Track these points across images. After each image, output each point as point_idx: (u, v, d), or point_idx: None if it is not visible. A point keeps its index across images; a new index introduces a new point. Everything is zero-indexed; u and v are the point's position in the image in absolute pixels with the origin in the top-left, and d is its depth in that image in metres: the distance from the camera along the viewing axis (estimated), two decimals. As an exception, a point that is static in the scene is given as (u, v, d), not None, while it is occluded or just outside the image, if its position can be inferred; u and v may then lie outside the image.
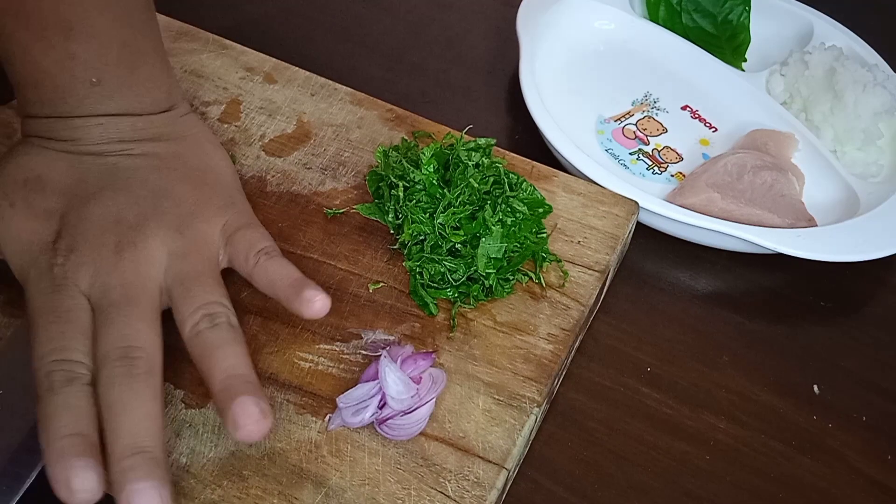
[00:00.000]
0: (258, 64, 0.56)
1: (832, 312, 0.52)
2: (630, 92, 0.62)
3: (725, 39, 0.64)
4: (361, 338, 0.43)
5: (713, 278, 0.53)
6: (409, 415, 0.39)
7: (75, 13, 0.40)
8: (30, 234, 0.39)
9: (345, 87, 0.55)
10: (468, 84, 0.64)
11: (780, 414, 0.46)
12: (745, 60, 0.64)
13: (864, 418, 0.47)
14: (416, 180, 0.46)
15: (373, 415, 0.39)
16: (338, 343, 0.43)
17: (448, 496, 0.37)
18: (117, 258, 0.38)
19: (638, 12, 0.66)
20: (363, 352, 0.42)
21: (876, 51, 0.63)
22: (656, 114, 0.61)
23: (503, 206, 0.45)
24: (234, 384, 0.36)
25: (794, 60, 0.60)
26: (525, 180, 0.47)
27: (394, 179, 0.46)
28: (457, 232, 0.44)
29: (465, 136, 0.49)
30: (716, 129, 0.60)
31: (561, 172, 0.51)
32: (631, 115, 0.61)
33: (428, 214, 0.45)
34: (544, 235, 0.47)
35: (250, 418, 0.35)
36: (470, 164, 0.46)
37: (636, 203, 0.50)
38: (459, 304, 0.44)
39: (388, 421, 0.39)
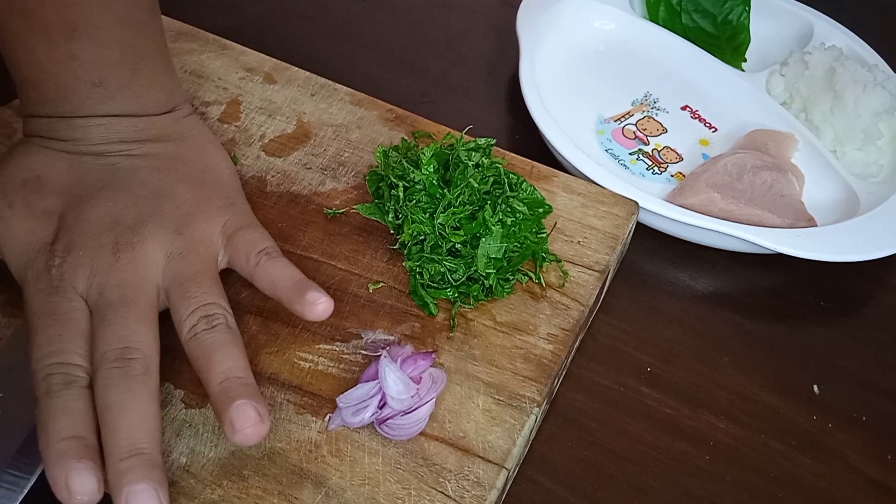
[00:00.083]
0: (258, 64, 0.56)
1: (832, 312, 0.52)
2: (630, 92, 0.62)
3: (725, 39, 0.64)
4: (361, 338, 0.43)
5: (713, 278, 0.53)
6: (409, 415, 0.39)
7: (79, 14, 0.40)
8: (28, 235, 0.39)
9: (345, 87, 0.55)
10: (468, 84, 0.64)
11: (780, 414, 0.46)
12: (745, 60, 0.64)
13: (864, 418, 0.47)
14: (416, 180, 0.46)
15: (373, 415, 0.39)
16: (338, 343, 0.43)
17: (448, 496, 0.37)
18: (114, 259, 0.38)
19: (638, 12, 0.66)
20: (363, 352, 0.42)
21: (876, 51, 0.63)
22: (656, 114, 0.61)
23: (503, 206, 0.45)
24: (231, 387, 0.36)
25: (794, 60, 0.60)
26: (525, 180, 0.47)
27: (394, 179, 0.46)
28: (457, 232, 0.44)
29: (465, 136, 0.49)
30: (716, 129, 0.60)
31: (561, 172, 0.51)
32: (631, 115, 0.61)
33: (428, 214, 0.45)
34: (544, 235, 0.47)
35: (248, 422, 0.35)
36: (470, 164, 0.46)
37: (636, 203, 0.50)
38: (459, 304, 0.44)
39: (388, 421, 0.39)
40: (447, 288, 0.44)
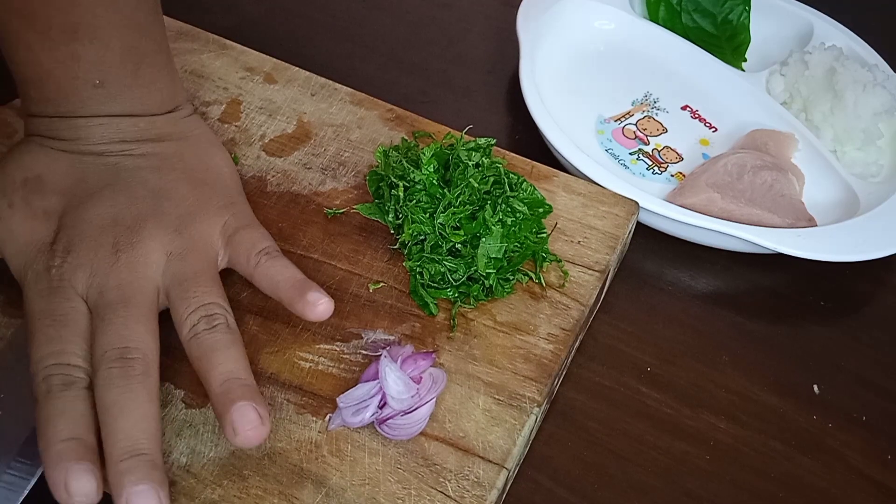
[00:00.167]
0: (258, 64, 0.56)
1: (832, 312, 0.52)
2: (630, 92, 0.62)
3: (725, 39, 0.64)
4: (362, 338, 0.43)
5: (713, 278, 0.53)
6: (409, 415, 0.39)
7: (81, 15, 0.40)
8: (28, 235, 0.39)
9: (345, 87, 0.55)
10: (468, 84, 0.64)
11: (780, 414, 0.46)
12: (745, 60, 0.64)
13: (864, 418, 0.47)
14: (417, 180, 0.46)
15: (373, 415, 0.39)
16: (338, 343, 0.43)
17: (448, 496, 0.37)
18: (114, 259, 0.38)
19: (638, 12, 0.66)
20: (363, 352, 0.42)
21: (876, 51, 0.63)
22: (656, 114, 0.61)
23: (503, 206, 0.45)
24: (232, 389, 0.36)
25: (794, 60, 0.60)
26: (525, 180, 0.47)
27: (394, 179, 0.46)
28: (457, 232, 0.44)
29: (465, 135, 0.49)
30: (716, 129, 0.60)
31: (561, 172, 0.51)
32: (631, 115, 0.61)
33: (428, 214, 0.45)
34: (544, 235, 0.47)
35: (249, 424, 0.35)
36: (470, 163, 0.46)
37: (636, 203, 0.50)
38: (459, 303, 0.44)
39: (389, 421, 0.39)
40: (447, 288, 0.44)
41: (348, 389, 0.40)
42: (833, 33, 0.63)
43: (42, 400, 0.35)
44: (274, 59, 0.56)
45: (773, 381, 0.48)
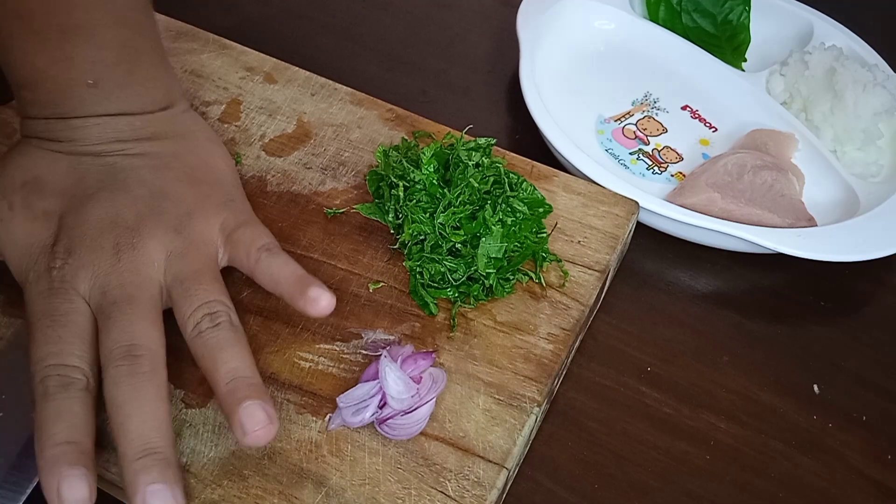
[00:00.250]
0: (258, 64, 0.56)
1: (832, 312, 0.52)
2: (630, 92, 0.62)
3: (725, 39, 0.64)
4: (362, 337, 0.43)
5: (713, 278, 0.53)
6: (409, 414, 0.39)
7: (74, 15, 0.40)
8: (28, 237, 0.39)
9: (345, 87, 0.55)
10: (468, 84, 0.64)
11: (780, 414, 0.46)
12: (745, 60, 0.64)
13: (864, 418, 0.47)
14: (417, 180, 0.46)
15: (373, 414, 0.39)
16: (338, 343, 0.43)
17: (448, 496, 0.37)
18: (115, 260, 0.38)
19: (638, 12, 0.66)
20: (363, 351, 0.42)
21: (876, 51, 0.63)
22: (656, 114, 0.61)
23: (503, 205, 0.45)
24: (238, 388, 0.36)
25: (794, 60, 0.60)
26: (525, 180, 0.47)
27: (394, 179, 0.46)
28: (457, 232, 0.44)
29: (465, 135, 0.49)
30: (716, 129, 0.60)
31: (561, 172, 0.51)
32: (631, 115, 0.61)
33: (428, 214, 0.45)
34: (544, 235, 0.47)
35: (258, 424, 0.35)
36: (470, 163, 0.46)
37: (636, 203, 0.50)
38: (459, 303, 0.44)
39: (389, 420, 0.39)
40: (447, 288, 0.44)
41: (348, 389, 0.40)
42: (833, 33, 0.63)
43: (39, 401, 0.35)
44: (274, 59, 0.56)
45: (773, 381, 0.48)
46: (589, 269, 0.47)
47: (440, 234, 0.44)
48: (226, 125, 0.52)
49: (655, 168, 0.57)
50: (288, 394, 0.41)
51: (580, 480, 0.43)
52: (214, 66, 0.55)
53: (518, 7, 0.62)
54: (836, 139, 0.58)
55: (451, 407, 0.40)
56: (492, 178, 0.46)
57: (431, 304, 0.44)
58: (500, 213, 0.45)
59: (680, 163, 0.58)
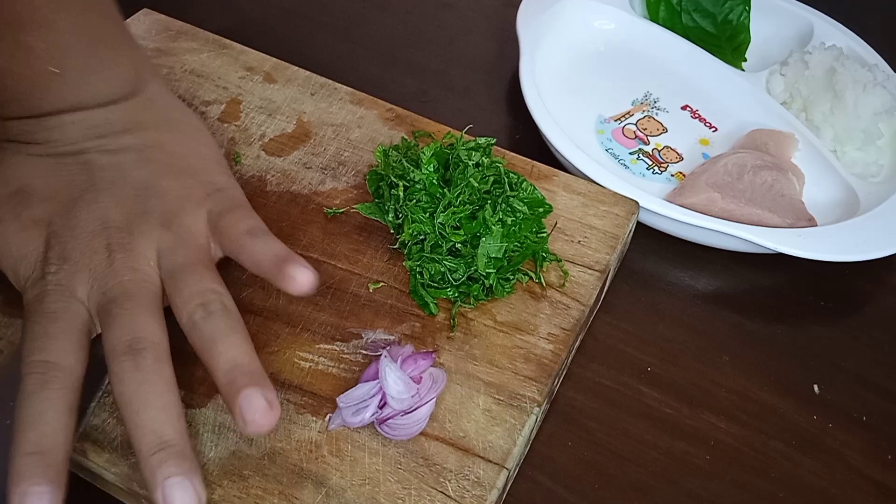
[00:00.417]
0: (258, 63, 0.56)
1: (832, 312, 0.52)
2: (630, 92, 0.62)
3: (725, 39, 0.64)
4: (361, 337, 0.43)
5: (713, 278, 0.53)
6: (409, 414, 0.39)
7: (25, 4, 0.39)
8: (21, 247, 0.39)
9: (345, 87, 0.55)
10: (468, 84, 0.64)
11: (780, 414, 0.46)
12: (745, 60, 0.64)
13: (864, 418, 0.47)
14: (416, 180, 0.46)
15: (373, 414, 0.39)
16: (338, 343, 0.43)
17: (448, 496, 0.37)
18: (110, 261, 0.38)
19: (638, 12, 0.66)
20: (363, 351, 0.42)
21: (876, 51, 0.63)
22: (656, 113, 0.61)
23: (503, 205, 0.45)
24: (237, 378, 0.35)
25: (794, 60, 0.60)
26: (525, 180, 0.47)
27: (394, 179, 0.46)
28: (457, 231, 0.44)
29: (465, 135, 0.49)
30: (716, 129, 0.60)
31: (561, 172, 0.51)
32: (631, 115, 0.61)
33: (428, 214, 0.45)
34: (544, 235, 0.47)
35: (258, 412, 0.34)
36: (470, 163, 0.46)
37: (636, 203, 0.50)
38: (460, 303, 0.44)
39: (389, 421, 0.39)
40: (447, 287, 0.44)
41: (348, 389, 0.40)
42: (833, 33, 0.63)
43: (17, 402, 0.34)
44: (274, 59, 0.56)
45: (773, 381, 0.48)
46: (589, 268, 0.47)
47: (440, 233, 0.44)
48: (225, 125, 0.52)
49: (655, 168, 0.57)
50: (288, 394, 0.40)
51: (580, 480, 0.43)
52: (214, 65, 0.55)
53: (518, 7, 0.62)
54: (836, 139, 0.58)
55: (451, 407, 0.40)
56: (492, 178, 0.46)
57: (431, 304, 0.44)
58: (500, 213, 0.45)
59: (680, 163, 0.58)
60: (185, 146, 0.44)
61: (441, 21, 0.69)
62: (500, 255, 0.44)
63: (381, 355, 0.40)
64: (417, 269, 0.44)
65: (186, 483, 0.33)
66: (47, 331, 0.36)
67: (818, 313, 0.52)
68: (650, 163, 0.58)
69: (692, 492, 0.43)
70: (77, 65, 0.41)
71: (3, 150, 0.42)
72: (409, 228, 0.44)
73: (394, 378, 0.39)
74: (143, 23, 0.58)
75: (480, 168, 0.46)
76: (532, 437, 0.42)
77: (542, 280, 0.46)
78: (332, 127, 0.52)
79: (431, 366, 0.41)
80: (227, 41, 0.57)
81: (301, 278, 0.37)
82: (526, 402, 0.41)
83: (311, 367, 0.42)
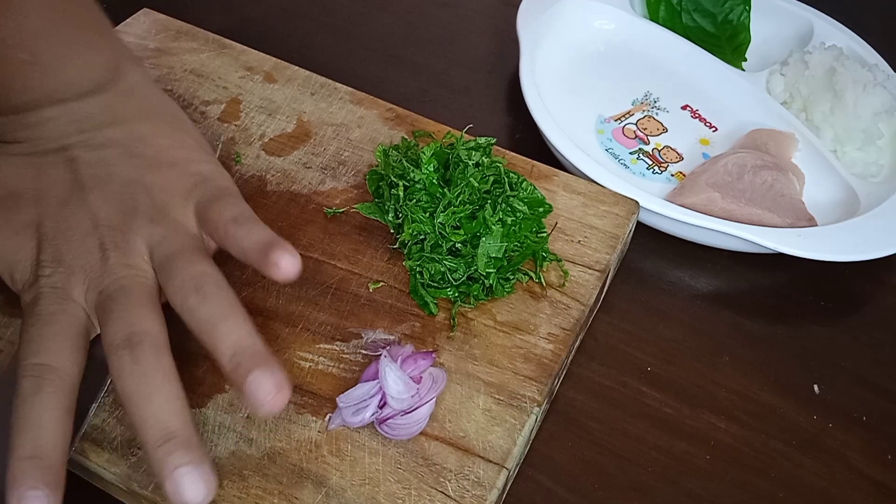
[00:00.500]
0: (258, 63, 0.56)
1: (832, 312, 0.52)
2: (630, 91, 0.62)
3: (725, 39, 0.64)
4: (361, 337, 0.43)
5: (713, 278, 0.53)
6: (409, 414, 0.39)
7: None
8: (15, 252, 0.38)
9: (345, 87, 0.55)
10: (468, 84, 0.64)
11: (781, 414, 0.46)
12: (746, 60, 0.64)
13: (864, 418, 0.47)
14: (416, 179, 0.46)
15: (373, 414, 0.39)
16: (338, 342, 0.42)
17: (448, 496, 0.37)
18: (104, 260, 0.38)
19: (638, 12, 0.66)
20: (363, 351, 0.42)
21: (876, 51, 0.63)
22: (656, 113, 0.61)
23: (503, 205, 0.45)
24: (242, 361, 0.34)
25: (794, 60, 0.60)
26: (525, 179, 0.47)
27: (394, 179, 0.46)
28: (457, 231, 0.44)
29: (465, 135, 0.49)
30: (716, 129, 0.60)
31: (561, 172, 0.51)
32: (631, 115, 0.61)
33: (428, 214, 0.45)
34: (544, 235, 0.47)
35: (268, 395, 0.34)
36: (470, 163, 0.46)
37: (636, 202, 0.50)
38: (459, 303, 0.44)
39: (389, 420, 0.39)
40: (447, 287, 0.44)
41: (348, 389, 0.40)
42: (833, 33, 0.63)
43: (14, 406, 0.34)
44: (274, 59, 0.56)
45: (773, 381, 0.48)
46: (589, 268, 0.46)
47: (440, 233, 0.44)
48: (225, 124, 0.52)
49: (655, 168, 0.57)
50: (288, 393, 0.40)
51: (580, 480, 0.43)
52: (214, 65, 0.55)
53: (518, 7, 0.62)
54: (836, 139, 0.58)
55: (451, 407, 0.40)
56: (492, 178, 0.46)
57: (431, 304, 0.44)
58: (500, 213, 0.45)
59: (680, 162, 0.58)
60: (169, 137, 0.43)
61: (441, 21, 0.69)
62: (500, 255, 0.44)
63: (381, 355, 0.40)
64: (417, 269, 0.44)
65: (195, 472, 0.33)
66: (42, 333, 0.36)
67: (818, 313, 0.52)
68: (650, 163, 0.58)
69: (692, 492, 0.43)
70: (51, 51, 0.40)
71: None
72: (409, 228, 0.44)
73: (394, 378, 0.39)
74: (143, 23, 0.58)
75: (480, 168, 0.46)
76: (532, 437, 0.42)
77: (542, 280, 0.46)
78: (332, 127, 0.52)
79: (431, 366, 0.41)
80: (227, 41, 0.57)
81: (285, 265, 0.36)
82: (526, 402, 0.41)
83: (311, 366, 0.42)
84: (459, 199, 0.45)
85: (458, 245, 0.44)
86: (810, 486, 0.44)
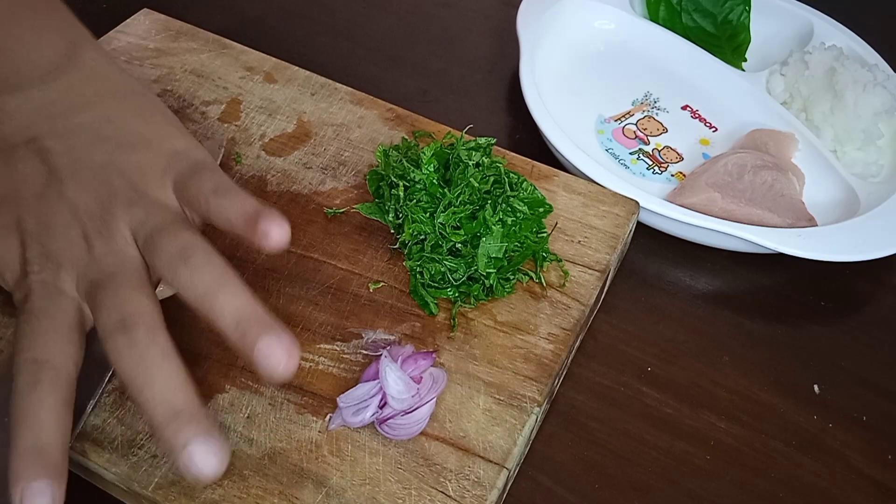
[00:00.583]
0: (258, 63, 0.56)
1: (832, 312, 0.52)
2: (630, 92, 0.62)
3: (725, 39, 0.64)
4: (362, 337, 0.43)
5: (713, 278, 0.53)
6: (409, 414, 0.39)
7: None
8: (1, 256, 0.38)
9: (345, 87, 0.55)
10: (468, 84, 0.64)
11: (780, 414, 0.46)
12: (746, 60, 0.64)
13: (864, 418, 0.47)
14: (417, 180, 0.46)
15: (373, 414, 0.39)
16: (338, 343, 0.43)
17: (449, 496, 0.37)
18: (89, 250, 0.37)
19: (638, 12, 0.66)
20: (364, 351, 0.42)
21: (876, 51, 0.63)
22: (656, 114, 0.61)
23: (503, 205, 0.45)
24: (248, 330, 0.34)
25: (794, 60, 0.60)
26: (525, 180, 0.47)
27: (394, 179, 0.46)
28: (457, 231, 0.44)
29: (466, 135, 0.49)
30: (716, 129, 0.60)
31: (561, 172, 0.51)
32: (631, 115, 0.61)
33: (428, 214, 0.45)
34: (545, 235, 0.47)
35: (280, 362, 0.33)
36: (470, 163, 0.46)
37: (636, 203, 0.50)
38: (460, 303, 0.44)
39: (389, 420, 0.39)
40: (447, 287, 0.44)
41: (348, 389, 0.40)
42: (833, 33, 0.63)
43: (12, 402, 0.34)
44: (274, 59, 0.56)
45: (773, 381, 0.48)
46: (589, 268, 0.47)
47: (440, 233, 0.44)
48: (226, 125, 0.52)
49: (655, 168, 0.57)
50: (288, 394, 0.40)
51: (580, 480, 0.43)
52: (214, 65, 0.55)
53: (518, 7, 0.62)
54: (836, 139, 0.58)
55: (452, 407, 0.40)
56: (492, 178, 0.46)
57: (431, 304, 0.44)
58: (501, 213, 0.45)
59: (680, 163, 0.58)
60: (138, 116, 0.42)
61: (441, 21, 0.69)
62: (500, 255, 0.44)
63: (381, 355, 0.40)
64: (417, 269, 0.44)
65: (206, 445, 0.32)
66: (35, 329, 0.35)
67: (818, 313, 0.52)
68: (650, 163, 0.58)
69: (692, 492, 0.43)
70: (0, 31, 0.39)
71: None
72: (410, 228, 0.44)
73: (394, 378, 0.39)
74: (143, 23, 0.58)
75: (480, 168, 0.46)
76: (532, 437, 0.42)
77: (543, 280, 0.46)
78: (332, 127, 0.52)
79: (431, 366, 0.41)
80: (227, 41, 0.57)
81: (275, 234, 0.35)
82: (526, 402, 0.41)
83: (311, 367, 0.42)
84: (459, 199, 0.45)
85: (459, 245, 0.44)
86: (810, 486, 0.44)
